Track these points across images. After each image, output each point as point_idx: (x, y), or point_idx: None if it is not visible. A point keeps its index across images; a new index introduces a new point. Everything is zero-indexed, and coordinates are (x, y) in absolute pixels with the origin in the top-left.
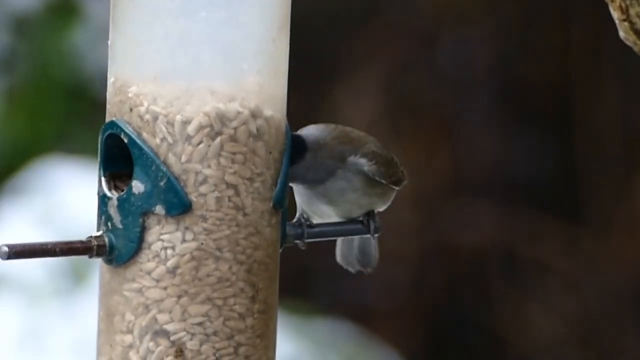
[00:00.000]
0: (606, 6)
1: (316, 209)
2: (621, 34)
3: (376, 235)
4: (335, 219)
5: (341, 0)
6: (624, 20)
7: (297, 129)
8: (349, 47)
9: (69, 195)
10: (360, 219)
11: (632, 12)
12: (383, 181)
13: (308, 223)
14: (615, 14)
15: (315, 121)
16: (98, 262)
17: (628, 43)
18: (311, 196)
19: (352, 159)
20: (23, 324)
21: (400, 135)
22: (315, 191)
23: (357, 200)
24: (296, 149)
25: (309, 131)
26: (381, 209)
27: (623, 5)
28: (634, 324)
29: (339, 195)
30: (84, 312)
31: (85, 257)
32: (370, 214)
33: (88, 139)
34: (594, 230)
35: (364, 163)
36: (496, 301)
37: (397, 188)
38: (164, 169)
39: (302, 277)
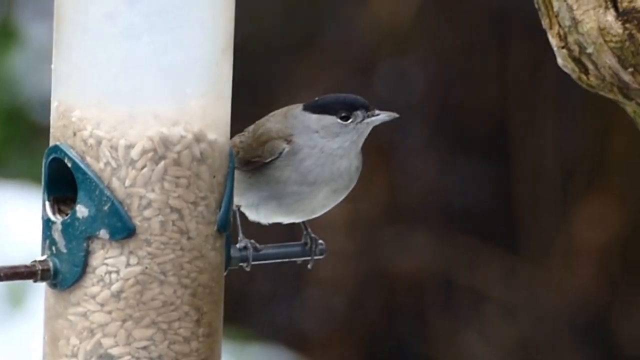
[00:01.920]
0: (544, 33)
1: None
2: (559, 61)
3: (319, 257)
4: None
5: (279, 26)
6: (563, 47)
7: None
8: (287, 73)
9: (9, 220)
10: (304, 241)
11: (570, 39)
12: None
13: (254, 246)
14: (554, 41)
15: None
16: (35, 286)
17: (566, 70)
18: (288, 194)
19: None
20: None
21: None
22: (320, 188)
23: (347, 191)
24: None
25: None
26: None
27: (561, 32)
28: (571, 353)
29: (345, 174)
30: (21, 337)
31: (21, 282)
32: (312, 238)
33: (25, 163)
34: (530, 259)
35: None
36: (432, 329)
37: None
38: (108, 193)
39: (237, 302)
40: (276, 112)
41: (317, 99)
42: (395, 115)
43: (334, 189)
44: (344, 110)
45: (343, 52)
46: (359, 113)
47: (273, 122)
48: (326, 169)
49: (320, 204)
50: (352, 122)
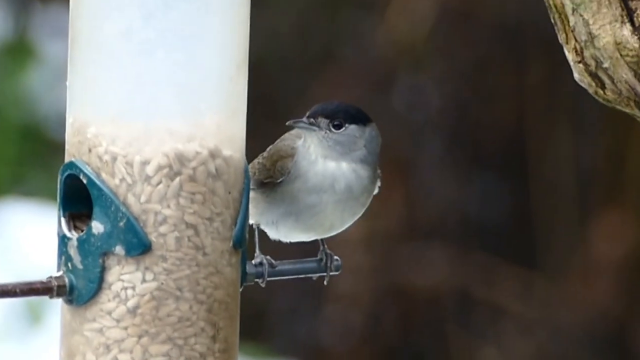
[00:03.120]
0: (560, 49)
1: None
2: (576, 75)
3: (335, 273)
4: (303, 237)
5: (297, 42)
6: (579, 62)
7: None
8: (304, 89)
9: (26, 237)
10: (319, 257)
11: (586, 54)
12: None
13: (269, 262)
14: (570, 56)
15: None
16: (53, 302)
17: (583, 85)
18: (302, 207)
19: (377, 170)
20: None
21: None
22: (323, 196)
23: (355, 206)
24: (367, 117)
25: None
26: (351, 222)
27: (578, 47)
28: None
29: (359, 194)
30: (40, 353)
31: (41, 298)
32: (327, 254)
33: (43, 180)
34: (548, 274)
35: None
36: (451, 344)
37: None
38: (124, 210)
39: (257, 318)
40: (291, 131)
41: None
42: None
43: (338, 197)
44: (310, 115)
45: (359, 69)
46: (320, 119)
47: (284, 141)
48: (315, 171)
49: (335, 217)
50: (312, 125)
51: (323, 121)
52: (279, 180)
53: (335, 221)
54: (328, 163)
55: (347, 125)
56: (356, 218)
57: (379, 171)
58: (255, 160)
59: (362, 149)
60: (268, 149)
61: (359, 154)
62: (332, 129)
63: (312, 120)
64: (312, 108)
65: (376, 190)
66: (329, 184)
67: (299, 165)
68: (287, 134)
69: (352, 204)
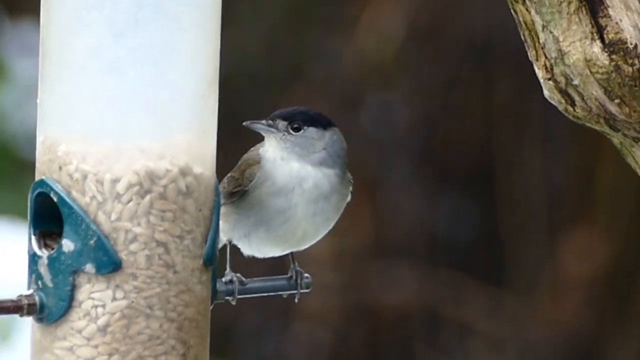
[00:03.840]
0: (529, 66)
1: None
2: (546, 92)
3: (305, 291)
4: (276, 250)
5: (264, 59)
6: (549, 79)
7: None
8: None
9: None
10: (289, 274)
11: (556, 71)
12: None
13: (239, 280)
14: (540, 73)
15: None
16: (22, 321)
17: (553, 102)
18: (272, 214)
19: (347, 174)
20: None
21: None
22: (292, 197)
23: (327, 209)
24: (328, 120)
25: None
26: (325, 230)
27: (548, 64)
28: None
29: (313, 188)
30: None
31: (8, 317)
32: (297, 271)
33: (13, 199)
34: (517, 291)
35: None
36: None
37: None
38: (94, 228)
39: (225, 336)
40: (259, 144)
41: None
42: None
43: (307, 197)
44: (269, 117)
45: (328, 86)
46: (279, 122)
47: (251, 152)
48: (280, 172)
49: (307, 224)
50: (270, 126)
51: (281, 123)
52: (247, 188)
53: (308, 228)
54: (292, 164)
55: (305, 127)
56: (330, 226)
57: (349, 175)
58: (226, 177)
59: (321, 151)
60: (238, 163)
61: (318, 157)
62: (291, 131)
63: (270, 122)
64: (273, 112)
65: (349, 197)
66: (297, 183)
67: (265, 169)
68: (255, 147)
69: (323, 206)
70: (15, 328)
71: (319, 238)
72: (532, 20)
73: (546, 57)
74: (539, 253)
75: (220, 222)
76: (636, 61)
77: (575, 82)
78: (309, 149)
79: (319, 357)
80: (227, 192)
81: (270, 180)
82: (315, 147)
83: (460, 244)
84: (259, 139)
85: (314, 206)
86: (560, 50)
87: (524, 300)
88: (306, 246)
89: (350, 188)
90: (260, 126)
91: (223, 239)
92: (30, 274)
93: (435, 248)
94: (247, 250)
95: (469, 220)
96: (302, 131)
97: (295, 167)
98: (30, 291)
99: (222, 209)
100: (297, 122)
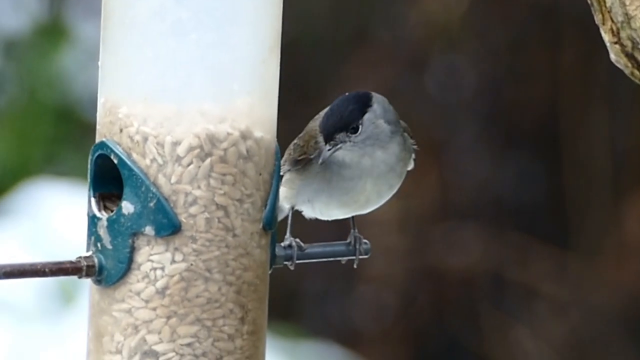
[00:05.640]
0: (596, 29)
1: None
2: (612, 56)
3: (364, 257)
4: (339, 213)
5: (329, 23)
6: (615, 43)
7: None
8: (337, 71)
9: (56, 217)
10: (349, 240)
11: (623, 34)
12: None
13: (298, 245)
14: (607, 37)
15: None
16: (86, 283)
17: (619, 66)
18: (335, 182)
19: (405, 135)
20: (11, 346)
21: None
22: (350, 167)
23: (392, 177)
24: (363, 100)
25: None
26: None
27: (614, 28)
28: (621, 348)
29: (383, 166)
30: (71, 333)
31: (73, 278)
32: (356, 237)
33: (76, 161)
34: (581, 255)
35: (411, 141)
36: (484, 325)
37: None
38: (154, 190)
39: (289, 300)
40: (324, 111)
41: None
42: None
43: (375, 173)
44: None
45: (393, 50)
46: (338, 135)
47: (316, 120)
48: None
49: (370, 192)
50: (335, 145)
51: (340, 135)
52: (312, 156)
53: (372, 196)
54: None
55: (360, 122)
56: (393, 192)
57: (410, 141)
58: (291, 144)
59: (384, 126)
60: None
61: (386, 133)
62: (353, 136)
63: (332, 142)
64: (319, 130)
65: (412, 164)
66: (367, 169)
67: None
68: (319, 115)
69: (387, 175)
70: (79, 290)
71: (382, 203)
72: None
73: (612, 21)
74: (603, 216)
75: (284, 189)
76: None
77: None
78: (378, 135)
79: (383, 320)
80: (293, 159)
81: (341, 158)
82: (379, 128)
83: (525, 206)
84: (326, 103)
85: (377, 177)
86: (626, 14)
87: (589, 264)
88: (370, 210)
89: (413, 155)
90: (331, 152)
91: (286, 206)
92: (89, 236)
93: (500, 211)
94: (309, 213)
95: (535, 183)
96: (361, 127)
97: (367, 163)
98: (89, 253)
99: (287, 176)
100: (351, 124)
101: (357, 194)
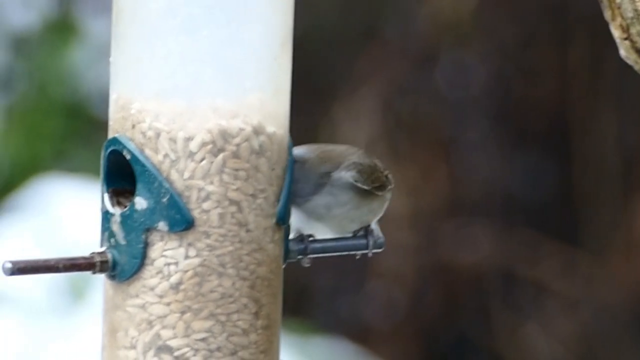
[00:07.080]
0: (605, 25)
1: (310, 226)
2: (622, 53)
3: (377, 251)
4: (330, 235)
5: (340, 20)
6: (625, 39)
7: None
8: (347, 67)
9: (68, 213)
10: (362, 233)
11: (633, 31)
12: (365, 187)
13: (310, 239)
14: (616, 33)
15: (314, 141)
16: (97, 279)
17: (629, 62)
18: (301, 213)
19: (336, 174)
20: (22, 341)
21: (398, 155)
22: (304, 208)
23: (346, 214)
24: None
25: (293, 150)
26: (374, 220)
27: (624, 24)
28: (631, 345)
29: (325, 211)
30: (83, 329)
31: (83, 274)
32: (368, 230)
33: (86, 157)
34: (591, 251)
35: (347, 175)
36: (494, 321)
37: (381, 194)
38: (167, 186)
39: (300, 295)
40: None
41: None
42: None
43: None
44: None
45: (403, 45)
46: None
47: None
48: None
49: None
50: None
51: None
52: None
53: (347, 227)
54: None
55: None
56: (378, 216)
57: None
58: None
59: (322, 179)
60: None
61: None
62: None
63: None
64: None
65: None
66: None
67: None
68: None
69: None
70: (89, 286)
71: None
72: None
73: (622, 18)
74: (613, 213)
75: None
76: None
77: None
78: (309, 188)
79: (394, 316)
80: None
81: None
82: (310, 180)
83: (535, 203)
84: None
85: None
86: (636, 10)
87: (599, 261)
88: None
89: (384, 192)
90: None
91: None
92: (102, 232)
93: (510, 207)
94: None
95: (544, 180)
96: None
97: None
98: (103, 249)
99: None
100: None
101: (335, 224)
